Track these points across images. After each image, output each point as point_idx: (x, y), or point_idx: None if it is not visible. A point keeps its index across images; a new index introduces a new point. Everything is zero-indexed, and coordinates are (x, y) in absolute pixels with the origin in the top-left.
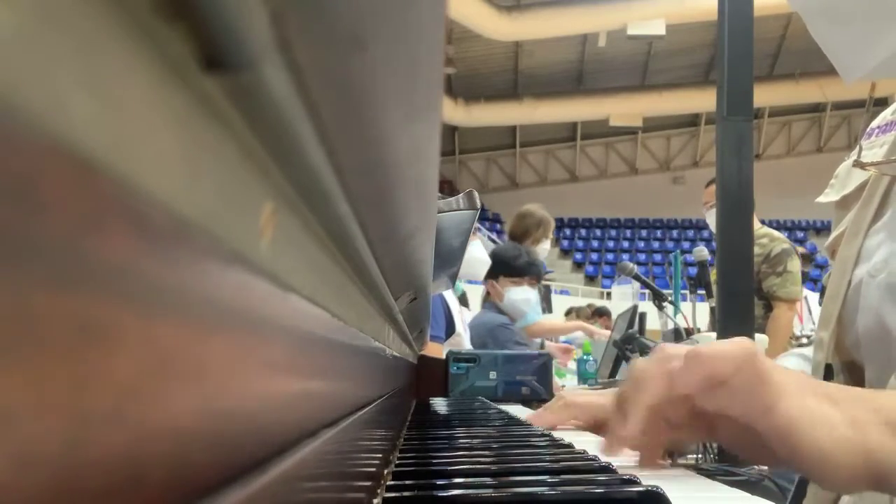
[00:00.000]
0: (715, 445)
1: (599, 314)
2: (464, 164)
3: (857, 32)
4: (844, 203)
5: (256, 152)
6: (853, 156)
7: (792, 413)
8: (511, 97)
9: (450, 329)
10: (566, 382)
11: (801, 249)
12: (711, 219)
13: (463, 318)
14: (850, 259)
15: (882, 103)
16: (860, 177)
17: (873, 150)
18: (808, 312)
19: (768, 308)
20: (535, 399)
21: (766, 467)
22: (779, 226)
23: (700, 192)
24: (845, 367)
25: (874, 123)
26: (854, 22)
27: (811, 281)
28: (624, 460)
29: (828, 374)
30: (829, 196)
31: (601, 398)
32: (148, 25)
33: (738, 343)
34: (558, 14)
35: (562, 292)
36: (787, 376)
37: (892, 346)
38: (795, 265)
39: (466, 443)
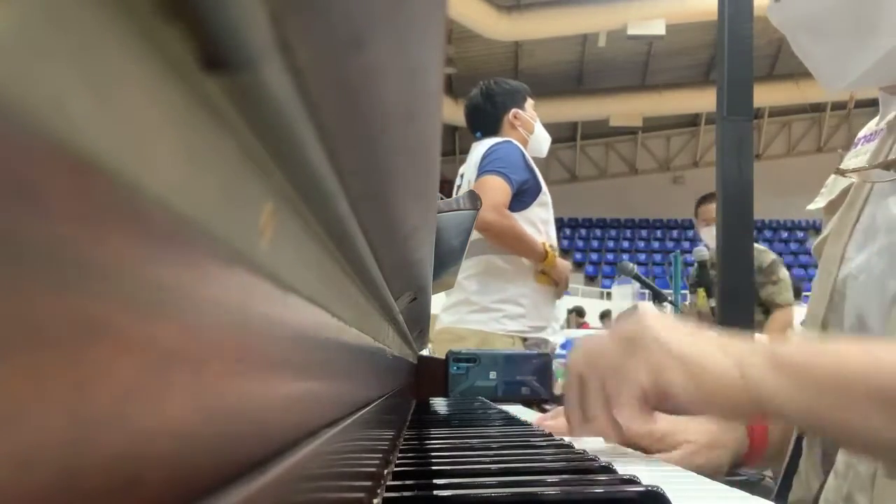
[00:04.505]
0: None
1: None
2: None
3: (839, 45)
4: (831, 208)
5: (256, 152)
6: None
7: (684, 353)
8: None
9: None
10: None
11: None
12: (708, 236)
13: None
14: (834, 260)
15: None
16: (845, 182)
17: (858, 157)
18: None
19: (766, 313)
20: (536, 399)
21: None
22: (779, 226)
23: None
24: None
25: (860, 133)
26: (835, 36)
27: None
28: (624, 460)
29: None
30: (818, 203)
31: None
32: (148, 25)
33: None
34: (558, 14)
35: None
36: (678, 333)
37: None
38: (785, 272)
39: (466, 443)
